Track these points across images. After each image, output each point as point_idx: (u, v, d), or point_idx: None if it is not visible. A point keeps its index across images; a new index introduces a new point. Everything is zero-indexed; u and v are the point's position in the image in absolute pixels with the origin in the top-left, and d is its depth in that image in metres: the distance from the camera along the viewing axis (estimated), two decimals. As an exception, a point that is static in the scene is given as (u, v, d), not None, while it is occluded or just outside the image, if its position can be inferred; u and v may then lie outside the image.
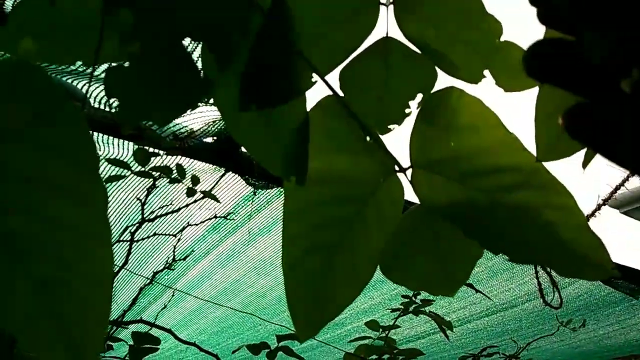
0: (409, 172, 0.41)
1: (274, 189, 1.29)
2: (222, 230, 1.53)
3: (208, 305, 2.10)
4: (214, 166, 1.13)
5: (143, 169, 0.91)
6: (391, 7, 0.41)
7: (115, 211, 1.25)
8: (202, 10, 0.29)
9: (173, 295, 1.48)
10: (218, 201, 1.08)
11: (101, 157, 1.15)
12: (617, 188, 1.33)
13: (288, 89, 0.41)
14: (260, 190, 1.23)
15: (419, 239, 0.44)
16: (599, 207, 1.33)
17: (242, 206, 1.40)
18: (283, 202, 0.44)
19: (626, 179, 1.32)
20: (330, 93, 0.43)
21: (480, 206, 0.39)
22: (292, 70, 0.42)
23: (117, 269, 1.12)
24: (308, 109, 0.42)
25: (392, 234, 0.43)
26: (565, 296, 2.12)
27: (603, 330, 2.48)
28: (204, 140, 1.08)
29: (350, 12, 0.40)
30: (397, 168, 0.41)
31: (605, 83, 0.19)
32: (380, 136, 0.47)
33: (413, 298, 1.42)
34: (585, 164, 0.46)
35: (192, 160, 1.07)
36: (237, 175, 1.18)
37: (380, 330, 1.42)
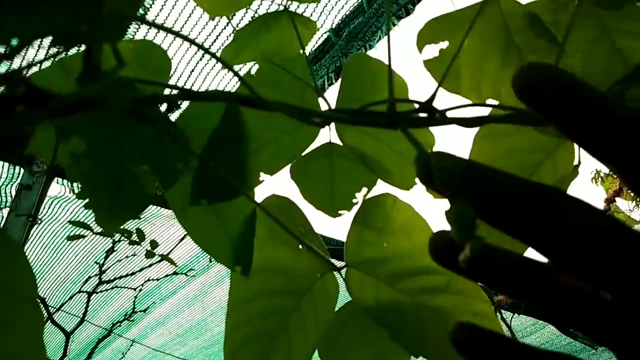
0: (344, 270, 0.45)
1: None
2: (190, 272, 1.54)
3: (174, 342, 2.09)
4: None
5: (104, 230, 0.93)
6: (332, 120, 0.45)
7: (80, 251, 1.26)
8: (146, 143, 0.32)
9: (132, 345, 1.47)
10: (175, 264, 1.10)
11: (68, 199, 1.16)
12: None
13: (237, 186, 0.45)
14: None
15: (354, 331, 0.47)
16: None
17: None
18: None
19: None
20: (279, 189, 0.47)
21: (404, 309, 0.42)
22: (242, 169, 0.45)
23: (78, 320, 1.12)
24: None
25: (328, 325, 0.46)
26: (528, 345, 2.16)
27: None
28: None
29: (296, 123, 0.44)
30: (332, 267, 0.44)
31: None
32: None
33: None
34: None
35: (159, 207, 1.10)
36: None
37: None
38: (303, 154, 0.48)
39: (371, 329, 0.46)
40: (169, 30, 0.29)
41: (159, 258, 1.04)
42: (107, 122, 0.31)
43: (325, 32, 0.82)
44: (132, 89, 0.27)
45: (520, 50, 0.36)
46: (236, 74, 0.32)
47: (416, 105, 0.33)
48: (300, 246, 0.42)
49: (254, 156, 0.45)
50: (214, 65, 0.85)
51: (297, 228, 0.44)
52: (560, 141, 0.41)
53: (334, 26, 0.78)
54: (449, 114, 0.33)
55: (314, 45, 0.84)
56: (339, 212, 0.54)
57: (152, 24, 0.26)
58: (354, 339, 0.46)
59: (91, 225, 1.00)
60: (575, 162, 0.42)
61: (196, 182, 0.42)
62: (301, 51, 0.40)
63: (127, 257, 1.10)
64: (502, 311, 1.69)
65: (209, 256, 1.53)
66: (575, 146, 0.42)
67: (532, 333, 2.08)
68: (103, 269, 1.11)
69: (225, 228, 0.46)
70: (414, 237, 0.45)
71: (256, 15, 0.46)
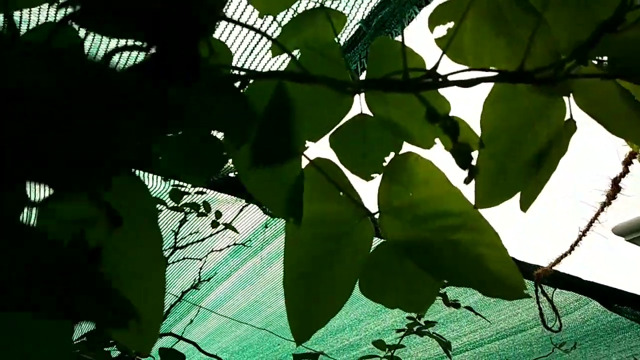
0: (377, 216, 0.54)
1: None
2: (243, 254, 1.67)
3: (230, 324, 2.23)
4: (236, 197, 1.28)
5: (176, 205, 1.07)
6: (363, 94, 0.55)
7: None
8: (223, 112, 0.43)
9: (198, 312, 1.62)
10: (237, 232, 1.23)
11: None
12: (598, 214, 1.44)
13: (287, 152, 0.55)
14: (275, 218, 1.37)
15: (387, 266, 0.56)
16: (583, 234, 1.43)
17: (261, 232, 1.54)
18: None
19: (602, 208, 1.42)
20: (322, 153, 0.57)
21: (429, 243, 0.52)
22: (291, 137, 0.56)
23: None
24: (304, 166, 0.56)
25: (366, 263, 0.56)
26: (572, 321, 2.18)
27: (616, 356, 2.52)
28: (229, 175, 1.24)
29: (333, 97, 0.54)
30: (367, 213, 0.54)
31: None
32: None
33: (417, 319, 1.52)
34: (525, 208, 0.58)
35: (217, 192, 1.23)
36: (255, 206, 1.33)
37: (387, 349, 1.53)
38: (340, 124, 0.58)
39: (401, 264, 0.55)
40: (244, 25, 0.40)
41: (223, 227, 1.18)
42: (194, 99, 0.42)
43: (357, 24, 0.91)
44: (217, 71, 0.38)
45: (510, 23, 0.45)
46: (290, 54, 0.42)
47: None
48: (341, 193, 0.52)
49: (300, 125, 0.56)
50: (261, 60, 0.97)
51: (338, 181, 0.54)
52: (551, 100, 0.49)
53: (364, 17, 0.88)
54: (451, 78, 0.42)
55: (347, 36, 0.94)
56: (372, 175, 0.64)
57: (230, 20, 0.37)
58: (387, 273, 0.56)
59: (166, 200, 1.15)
60: (567, 117, 0.51)
61: (255, 147, 0.52)
62: (335, 39, 0.50)
63: (196, 232, 1.25)
64: (543, 286, 1.73)
65: (259, 240, 1.65)
66: (566, 103, 0.50)
67: (577, 309, 2.11)
68: (177, 241, 1.27)
69: (280, 186, 0.57)
70: (435, 187, 0.54)
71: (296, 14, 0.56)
